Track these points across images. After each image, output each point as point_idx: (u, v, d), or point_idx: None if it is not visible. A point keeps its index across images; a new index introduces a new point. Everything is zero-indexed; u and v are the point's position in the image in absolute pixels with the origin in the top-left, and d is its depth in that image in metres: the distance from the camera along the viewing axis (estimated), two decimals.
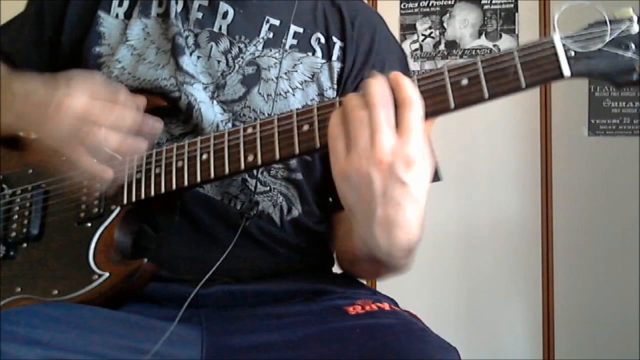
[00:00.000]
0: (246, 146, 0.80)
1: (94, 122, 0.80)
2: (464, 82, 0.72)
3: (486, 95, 0.72)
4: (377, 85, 0.72)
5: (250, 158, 0.79)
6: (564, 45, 0.70)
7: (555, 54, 0.70)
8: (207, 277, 0.82)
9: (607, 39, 0.69)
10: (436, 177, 1.00)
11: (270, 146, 0.78)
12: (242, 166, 0.80)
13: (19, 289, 0.85)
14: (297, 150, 0.78)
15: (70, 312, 0.77)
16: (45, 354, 0.66)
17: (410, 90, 0.71)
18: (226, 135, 0.82)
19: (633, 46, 0.69)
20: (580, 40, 0.70)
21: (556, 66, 0.70)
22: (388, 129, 0.70)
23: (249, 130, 0.80)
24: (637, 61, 0.69)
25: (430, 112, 0.73)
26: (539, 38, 0.71)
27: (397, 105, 0.71)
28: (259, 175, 0.91)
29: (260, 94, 0.92)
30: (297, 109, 0.79)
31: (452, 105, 0.73)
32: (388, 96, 0.71)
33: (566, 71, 0.70)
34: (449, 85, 0.72)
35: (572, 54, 0.70)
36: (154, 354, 0.73)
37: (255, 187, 0.91)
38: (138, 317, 0.80)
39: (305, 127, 0.77)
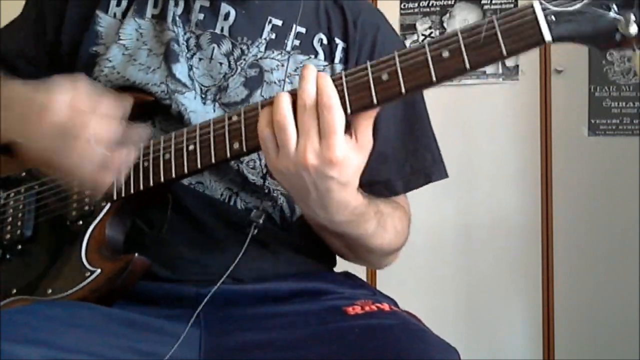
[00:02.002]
0: (231, 134, 0.80)
1: (76, 134, 0.77)
2: (445, 54, 0.72)
3: (467, 65, 0.71)
4: (305, 86, 0.73)
5: (236, 146, 0.79)
6: (543, 9, 0.69)
7: (535, 19, 0.69)
8: (219, 284, 0.82)
9: None
10: (443, 174, 1.00)
11: (255, 132, 0.78)
12: (228, 154, 0.80)
13: (14, 291, 0.86)
14: None
15: (70, 312, 0.77)
16: (45, 353, 0.66)
17: (328, 93, 0.73)
18: (211, 124, 0.82)
19: (615, 6, 0.68)
20: (560, 2, 0.69)
21: (537, 31, 0.69)
22: (311, 134, 0.73)
23: (234, 119, 0.80)
24: (620, 21, 0.67)
25: (413, 87, 0.73)
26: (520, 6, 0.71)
27: (318, 107, 0.73)
28: (258, 180, 0.91)
29: (262, 96, 0.92)
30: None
31: (434, 78, 0.72)
32: (312, 98, 0.73)
33: (547, 36, 0.68)
34: (430, 59, 0.72)
35: (553, 18, 0.68)
36: (151, 353, 0.73)
37: (267, 190, 0.91)
38: (137, 317, 0.80)
39: None
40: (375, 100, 0.74)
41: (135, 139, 0.83)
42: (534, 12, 0.69)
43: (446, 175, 1.00)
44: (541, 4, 0.69)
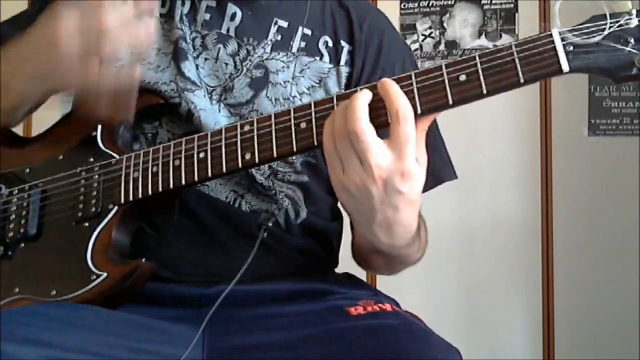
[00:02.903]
0: (243, 144, 0.79)
1: (94, 34, 0.77)
2: (462, 77, 0.72)
3: (484, 90, 0.72)
4: (360, 104, 0.71)
5: (248, 156, 0.79)
6: (562, 39, 0.69)
7: (554, 49, 0.69)
8: (226, 291, 0.81)
9: (606, 32, 0.69)
10: (453, 175, 1.00)
11: (268, 144, 0.77)
12: (240, 165, 0.79)
13: (17, 289, 0.85)
14: (294, 148, 0.77)
15: (71, 312, 0.77)
16: (45, 354, 0.66)
17: (402, 102, 0.71)
18: (223, 132, 0.81)
19: (632, 40, 0.68)
20: (579, 34, 0.69)
21: (555, 61, 0.69)
22: (377, 147, 0.70)
23: (246, 128, 0.80)
24: (637, 55, 0.68)
25: (429, 109, 0.73)
26: (538, 33, 0.71)
27: (390, 116, 0.71)
28: (264, 181, 0.91)
29: (268, 97, 0.92)
30: (294, 106, 0.79)
31: (451, 101, 0.72)
32: (367, 115, 0.71)
33: (565, 66, 0.69)
34: (447, 82, 0.72)
35: (571, 48, 0.69)
36: (154, 354, 0.73)
37: (274, 192, 0.91)
38: (139, 317, 0.80)
39: (303, 125, 0.77)
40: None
41: (147, 7, 0.81)
42: (553, 41, 0.69)
43: (455, 177, 1.01)
44: (560, 33, 0.70)
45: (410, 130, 0.70)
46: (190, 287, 0.86)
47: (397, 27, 2.38)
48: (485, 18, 2.35)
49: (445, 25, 2.38)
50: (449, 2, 2.37)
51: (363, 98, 0.72)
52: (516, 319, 2.32)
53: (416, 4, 2.40)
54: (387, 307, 0.83)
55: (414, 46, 2.38)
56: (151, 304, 0.85)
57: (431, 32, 2.39)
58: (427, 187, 0.98)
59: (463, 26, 2.37)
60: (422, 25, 2.40)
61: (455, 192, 2.29)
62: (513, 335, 2.32)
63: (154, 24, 0.81)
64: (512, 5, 2.33)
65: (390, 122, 0.71)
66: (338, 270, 1.02)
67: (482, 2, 2.35)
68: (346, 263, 1.01)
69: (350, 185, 0.72)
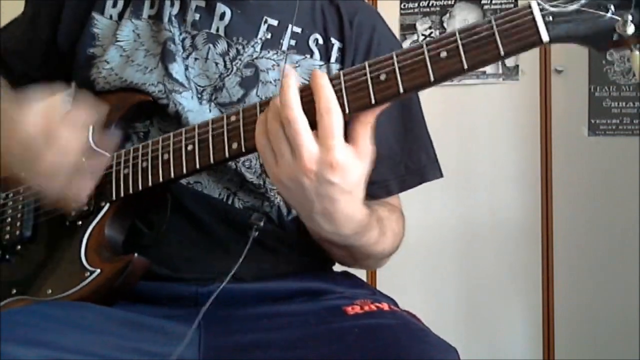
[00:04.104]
0: (230, 134, 0.80)
1: (46, 146, 0.79)
2: (443, 54, 0.72)
3: (465, 65, 0.71)
4: (291, 92, 0.72)
5: (235, 146, 0.79)
6: (541, 9, 0.69)
7: (533, 19, 0.69)
8: (219, 289, 0.81)
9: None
10: (438, 174, 1.00)
11: (253, 133, 0.77)
12: (227, 154, 0.80)
13: (14, 291, 0.86)
14: None
15: (71, 312, 0.77)
16: (45, 354, 0.66)
17: (327, 96, 0.72)
18: (210, 124, 0.82)
19: (612, 6, 0.68)
20: (558, 3, 0.69)
21: (534, 31, 0.69)
22: (307, 138, 0.71)
23: (232, 119, 0.80)
24: (617, 21, 0.67)
25: (411, 87, 0.73)
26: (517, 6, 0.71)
27: (317, 110, 0.72)
28: (254, 179, 0.91)
29: (258, 96, 0.92)
30: (277, 93, 0.79)
31: (432, 78, 0.72)
32: (299, 104, 0.72)
33: (545, 36, 0.68)
34: (428, 59, 0.72)
35: (550, 18, 0.68)
36: (152, 353, 0.73)
37: (265, 189, 0.91)
38: (137, 317, 0.80)
39: None
40: (373, 100, 0.73)
41: (109, 145, 0.85)
42: (531, 12, 0.69)
43: (441, 175, 1.00)
44: (539, 4, 0.69)
45: (334, 122, 0.71)
46: (187, 285, 0.86)
47: (397, 27, 2.39)
48: (485, 18, 2.34)
49: (445, 25, 2.38)
50: (449, 2, 2.37)
51: (293, 88, 0.73)
52: (516, 319, 2.32)
53: (416, 4, 2.40)
54: (385, 306, 0.82)
55: None
56: (148, 302, 0.85)
57: (431, 32, 2.39)
58: (411, 185, 0.99)
59: None
60: (422, 25, 2.40)
61: (455, 192, 2.29)
62: (513, 335, 2.32)
63: (107, 161, 0.84)
64: (512, 5, 2.33)
65: (317, 113, 0.72)
66: (336, 268, 1.02)
67: (482, 2, 2.35)
68: None
69: (284, 178, 0.73)
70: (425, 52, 0.72)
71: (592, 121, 2.28)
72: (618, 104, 2.27)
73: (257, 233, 0.84)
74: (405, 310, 0.86)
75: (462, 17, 2.37)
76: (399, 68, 0.73)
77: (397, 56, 0.73)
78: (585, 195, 2.27)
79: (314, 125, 0.72)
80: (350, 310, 0.81)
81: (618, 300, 2.22)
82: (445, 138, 2.14)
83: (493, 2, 2.35)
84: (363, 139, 0.75)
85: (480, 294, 2.34)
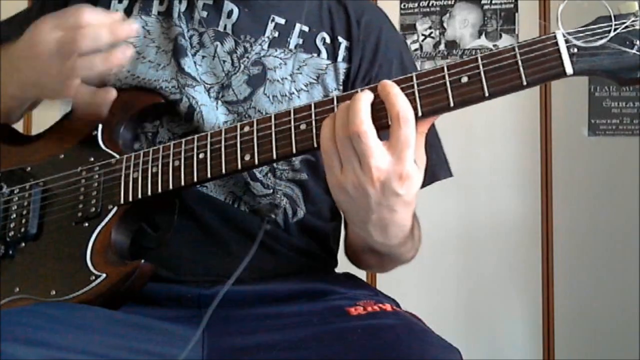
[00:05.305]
0: (243, 145, 0.79)
1: (71, 52, 0.80)
2: (464, 80, 0.71)
3: (486, 93, 0.71)
4: (362, 105, 0.71)
5: (247, 157, 0.78)
6: (566, 41, 0.68)
7: (558, 51, 0.68)
8: (225, 289, 0.81)
9: (611, 34, 0.67)
10: (448, 173, 1.00)
11: (267, 146, 0.77)
12: (239, 166, 0.79)
13: (17, 289, 0.85)
14: (294, 150, 0.77)
15: (71, 313, 0.76)
16: (45, 354, 0.66)
17: (403, 105, 0.70)
18: (223, 133, 0.81)
19: (638, 42, 0.67)
20: (583, 36, 0.68)
21: (559, 63, 0.68)
22: (378, 150, 0.70)
23: (246, 129, 0.79)
24: None
25: (429, 111, 0.72)
26: (539, 33, 0.70)
27: (390, 119, 0.71)
28: (262, 178, 0.91)
29: (265, 94, 0.92)
30: (295, 107, 0.79)
31: (452, 103, 0.72)
32: (369, 116, 0.71)
33: (569, 69, 0.68)
34: (448, 84, 0.72)
35: (575, 50, 0.68)
36: (153, 354, 0.73)
37: (272, 190, 0.91)
38: (138, 318, 0.80)
39: (303, 126, 0.77)
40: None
41: (127, 34, 0.84)
42: (556, 44, 0.69)
43: (451, 174, 1.00)
44: (564, 36, 0.68)
45: (411, 133, 0.70)
46: (190, 287, 0.86)
47: (397, 27, 2.38)
48: (485, 18, 2.35)
49: (445, 25, 2.38)
50: (449, 2, 2.37)
51: (365, 99, 0.71)
52: (516, 319, 2.32)
53: (416, 4, 2.40)
54: (387, 307, 0.82)
55: (414, 46, 2.38)
56: (151, 304, 0.85)
57: (431, 32, 2.39)
58: (423, 185, 0.98)
59: (463, 26, 2.37)
60: (422, 25, 2.40)
61: (456, 192, 2.29)
62: (513, 335, 2.32)
63: (130, 51, 0.84)
64: (512, 5, 2.33)
65: (391, 124, 0.71)
66: (337, 269, 1.02)
67: (482, 2, 2.35)
68: (346, 263, 1.01)
69: (348, 185, 0.72)
70: (446, 77, 0.72)
71: (592, 121, 2.28)
72: (618, 104, 2.27)
73: (266, 230, 0.83)
74: (407, 311, 0.86)
75: (462, 17, 2.37)
76: (418, 91, 0.73)
77: (416, 78, 0.73)
78: (585, 195, 2.27)
79: (379, 132, 0.71)
80: (353, 311, 0.81)
81: (618, 300, 2.22)
82: (445, 138, 2.13)
83: (493, 2, 2.34)
84: (420, 150, 0.74)
85: (480, 294, 2.34)
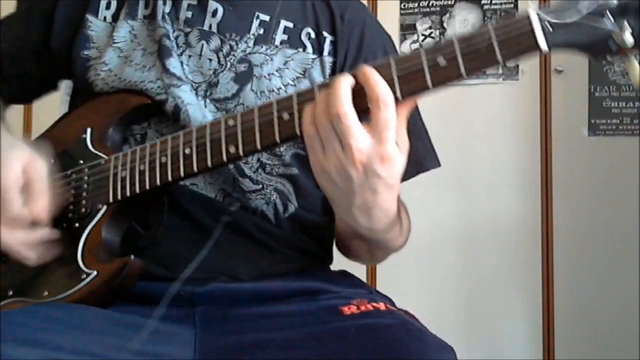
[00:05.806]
0: (227, 138, 0.80)
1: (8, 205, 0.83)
2: (442, 62, 0.72)
3: (464, 73, 0.72)
4: (342, 87, 0.72)
5: (232, 149, 0.79)
6: (540, 19, 0.69)
7: (532, 30, 0.69)
8: (183, 276, 0.83)
9: (585, 11, 0.68)
10: (436, 163, 1.00)
11: (251, 137, 0.78)
12: (224, 158, 0.80)
13: (10, 292, 0.86)
14: (277, 139, 0.78)
15: (70, 313, 0.77)
16: (45, 354, 0.66)
17: (382, 88, 0.72)
18: (208, 128, 0.82)
19: (611, 17, 0.68)
20: (557, 12, 0.69)
21: (533, 42, 0.69)
22: (358, 131, 0.71)
23: (230, 122, 0.80)
24: (614, 31, 0.68)
25: (408, 93, 0.73)
26: (516, 15, 0.71)
27: (370, 102, 0.72)
28: (252, 174, 0.92)
29: (253, 90, 0.93)
30: (277, 99, 0.79)
31: (430, 85, 0.73)
32: (349, 99, 0.72)
33: (543, 45, 0.69)
34: (426, 67, 0.73)
35: (550, 28, 0.69)
36: (145, 354, 0.74)
37: (261, 185, 0.91)
38: (135, 317, 0.80)
39: (286, 116, 0.78)
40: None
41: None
42: (530, 23, 0.69)
43: (439, 164, 1.01)
44: (538, 14, 0.70)
45: (391, 115, 0.71)
46: (183, 285, 0.87)
47: (397, 27, 2.39)
48: (485, 18, 2.35)
49: (445, 25, 2.38)
50: (449, 2, 2.38)
51: (345, 82, 0.73)
52: (516, 319, 2.33)
53: (416, 4, 2.40)
54: (381, 305, 0.82)
55: (414, 46, 2.38)
56: (145, 302, 0.85)
57: (431, 32, 2.39)
58: (409, 175, 0.99)
59: (463, 26, 2.37)
60: (422, 25, 2.40)
61: (455, 192, 2.30)
62: (513, 335, 2.32)
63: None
64: (512, 5, 2.33)
65: (371, 107, 0.72)
66: (335, 267, 1.02)
67: (482, 2, 2.35)
68: (344, 260, 1.01)
69: (330, 168, 0.73)
70: (424, 60, 0.73)
71: (592, 121, 2.28)
72: (618, 104, 2.27)
73: (227, 219, 0.84)
74: (402, 309, 0.86)
75: (462, 17, 2.37)
76: (397, 75, 0.73)
77: (395, 63, 0.74)
78: (585, 195, 2.27)
79: (359, 116, 0.72)
80: (346, 310, 0.81)
81: (618, 300, 2.22)
82: (445, 138, 2.15)
83: (493, 2, 2.35)
84: (401, 132, 0.75)
85: (480, 294, 2.34)
